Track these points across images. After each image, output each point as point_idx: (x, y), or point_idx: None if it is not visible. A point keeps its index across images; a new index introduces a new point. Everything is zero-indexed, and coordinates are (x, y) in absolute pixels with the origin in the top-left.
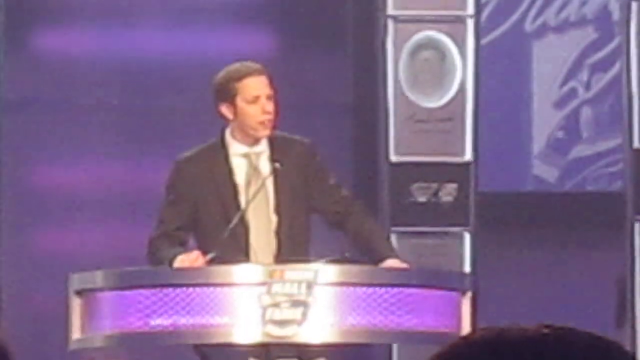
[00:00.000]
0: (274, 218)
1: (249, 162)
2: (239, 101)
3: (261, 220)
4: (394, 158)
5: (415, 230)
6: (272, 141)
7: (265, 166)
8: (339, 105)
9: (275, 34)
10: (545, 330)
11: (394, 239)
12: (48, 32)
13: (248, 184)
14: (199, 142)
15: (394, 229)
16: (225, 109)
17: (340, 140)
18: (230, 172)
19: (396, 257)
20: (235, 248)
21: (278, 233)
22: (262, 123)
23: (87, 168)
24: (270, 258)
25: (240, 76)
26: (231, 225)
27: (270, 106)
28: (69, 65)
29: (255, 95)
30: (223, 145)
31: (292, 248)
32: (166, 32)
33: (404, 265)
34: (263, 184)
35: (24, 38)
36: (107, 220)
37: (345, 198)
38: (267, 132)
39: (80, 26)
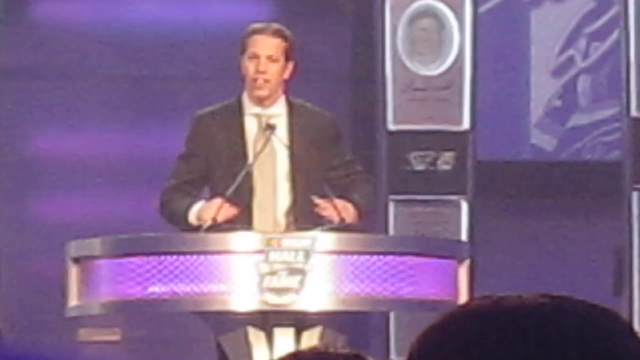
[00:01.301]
0: (284, 185)
1: (259, 123)
2: (245, 57)
3: (266, 185)
4: (392, 126)
5: (413, 198)
6: (291, 107)
7: (277, 129)
8: (337, 73)
9: (273, 1)
10: (543, 299)
11: (391, 206)
12: (46, 1)
13: (256, 144)
14: (196, 110)
15: (391, 197)
16: (240, 62)
17: (339, 109)
18: (242, 131)
19: (357, 208)
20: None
21: (291, 199)
22: (254, 81)
23: (84, 136)
24: (270, 223)
25: (251, 32)
26: (231, 190)
27: (266, 67)
28: (66, 34)
29: (254, 52)
30: (239, 104)
31: (301, 217)
32: (164, 1)
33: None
34: (265, 146)
35: (21, 7)
36: (105, 187)
37: (357, 172)
38: (260, 92)
39: None
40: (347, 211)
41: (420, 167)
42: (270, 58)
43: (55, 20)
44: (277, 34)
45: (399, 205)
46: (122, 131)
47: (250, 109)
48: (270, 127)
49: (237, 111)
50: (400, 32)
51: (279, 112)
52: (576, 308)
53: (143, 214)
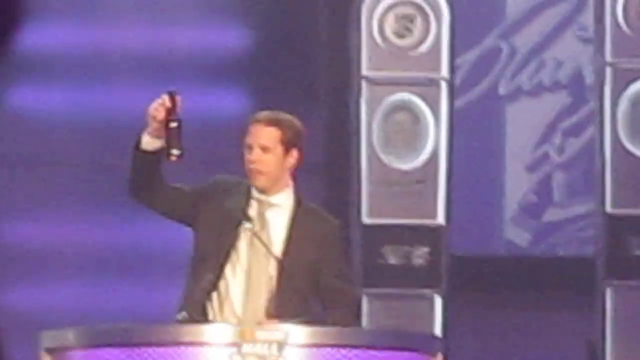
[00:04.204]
0: (271, 277)
1: (259, 208)
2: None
3: (259, 273)
4: (366, 220)
5: (386, 292)
6: (299, 203)
7: (274, 219)
8: (312, 165)
9: (248, 93)
10: None
11: (365, 300)
12: (21, 89)
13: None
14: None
15: (365, 290)
16: None
17: (313, 201)
18: (243, 209)
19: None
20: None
21: (272, 294)
22: (249, 171)
23: (58, 225)
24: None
25: (250, 121)
26: (204, 284)
27: (257, 156)
28: (41, 122)
29: (248, 142)
30: (249, 186)
31: (277, 313)
32: (139, 91)
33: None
34: (236, 238)
35: None
36: (79, 277)
37: (341, 291)
38: (256, 182)
39: (54, 84)
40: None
41: (394, 261)
42: (263, 148)
43: (30, 108)
44: (272, 123)
45: (372, 298)
46: (96, 221)
47: (254, 192)
48: (248, 219)
49: (247, 191)
50: (375, 125)
51: (282, 202)
52: None
53: (117, 304)
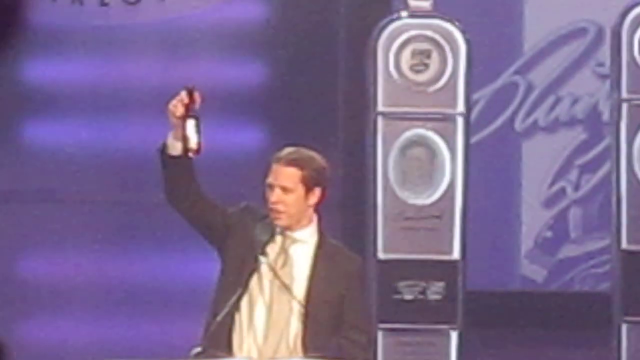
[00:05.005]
0: (295, 313)
1: (283, 243)
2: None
3: (280, 310)
4: (381, 255)
5: (402, 327)
6: (322, 240)
7: (297, 255)
8: (327, 201)
9: (264, 128)
10: None
11: (380, 336)
12: (37, 124)
13: (275, 261)
14: (187, 238)
15: (381, 326)
16: None
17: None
18: (263, 245)
19: None
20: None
21: (298, 330)
22: (271, 210)
23: (73, 260)
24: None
25: (272, 160)
26: (218, 318)
27: (278, 197)
28: (57, 157)
29: (269, 182)
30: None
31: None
32: (156, 127)
33: None
34: (254, 271)
35: (12, 129)
36: (94, 313)
37: (354, 327)
38: (278, 222)
39: (70, 119)
40: None
41: (409, 297)
42: (284, 189)
43: (46, 144)
44: (292, 163)
45: (388, 334)
46: (112, 256)
47: (279, 228)
48: (264, 254)
49: (272, 226)
50: (391, 160)
51: (306, 238)
52: None
53: (133, 339)
